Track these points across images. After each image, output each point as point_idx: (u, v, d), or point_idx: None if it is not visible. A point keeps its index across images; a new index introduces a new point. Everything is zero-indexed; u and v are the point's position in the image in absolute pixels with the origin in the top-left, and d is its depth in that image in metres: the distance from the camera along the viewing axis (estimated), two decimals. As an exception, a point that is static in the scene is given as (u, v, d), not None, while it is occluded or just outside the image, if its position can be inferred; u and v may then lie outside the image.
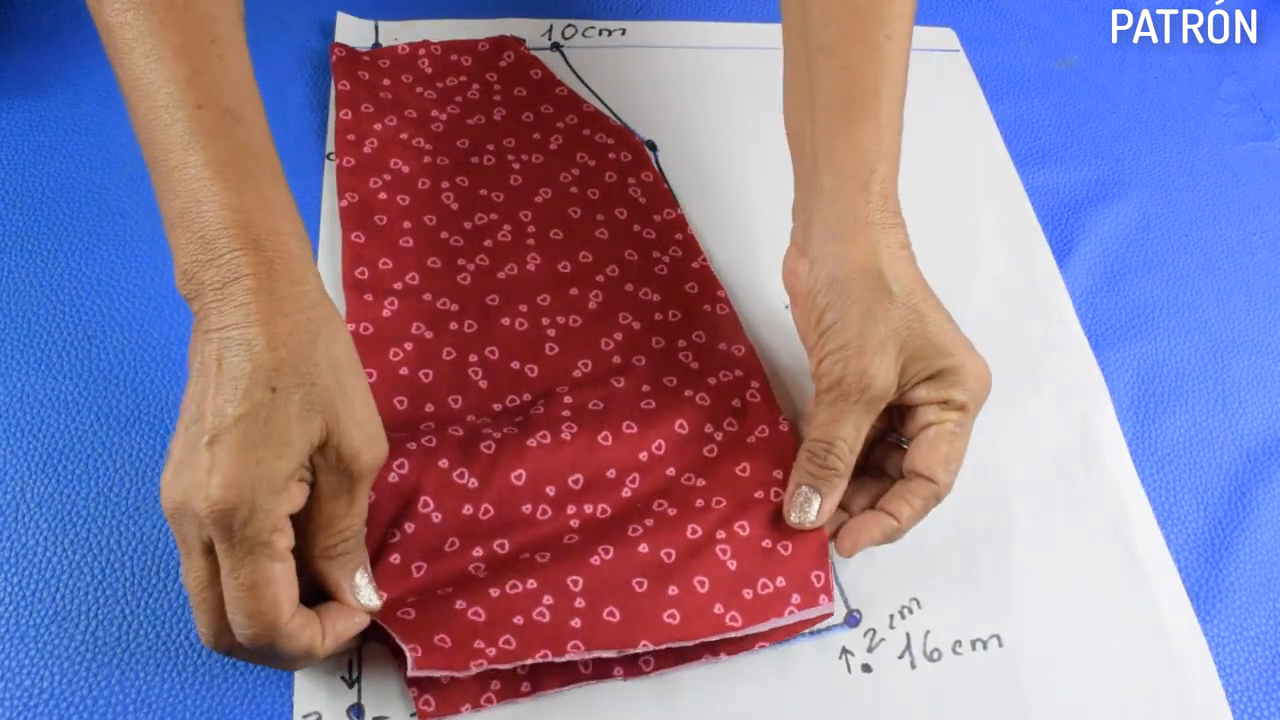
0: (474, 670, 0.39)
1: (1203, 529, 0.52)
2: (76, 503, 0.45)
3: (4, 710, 0.40)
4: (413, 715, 0.41)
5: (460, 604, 0.41)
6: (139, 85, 0.38)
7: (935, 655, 0.46)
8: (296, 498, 0.36)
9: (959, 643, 0.46)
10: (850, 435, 0.44)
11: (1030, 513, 0.50)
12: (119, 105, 0.55)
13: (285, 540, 0.35)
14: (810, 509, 0.45)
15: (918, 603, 0.47)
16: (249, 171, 0.38)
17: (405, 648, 0.39)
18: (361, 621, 0.39)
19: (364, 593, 0.39)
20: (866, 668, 0.45)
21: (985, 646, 0.46)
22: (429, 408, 0.48)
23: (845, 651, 0.45)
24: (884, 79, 0.45)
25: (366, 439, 0.37)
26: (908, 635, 0.46)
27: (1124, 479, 0.52)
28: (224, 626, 0.36)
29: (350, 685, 0.42)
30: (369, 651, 0.42)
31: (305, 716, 0.41)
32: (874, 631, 0.46)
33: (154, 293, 0.50)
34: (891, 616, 0.46)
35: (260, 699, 0.41)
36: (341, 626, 0.38)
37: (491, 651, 0.40)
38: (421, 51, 0.60)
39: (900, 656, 0.45)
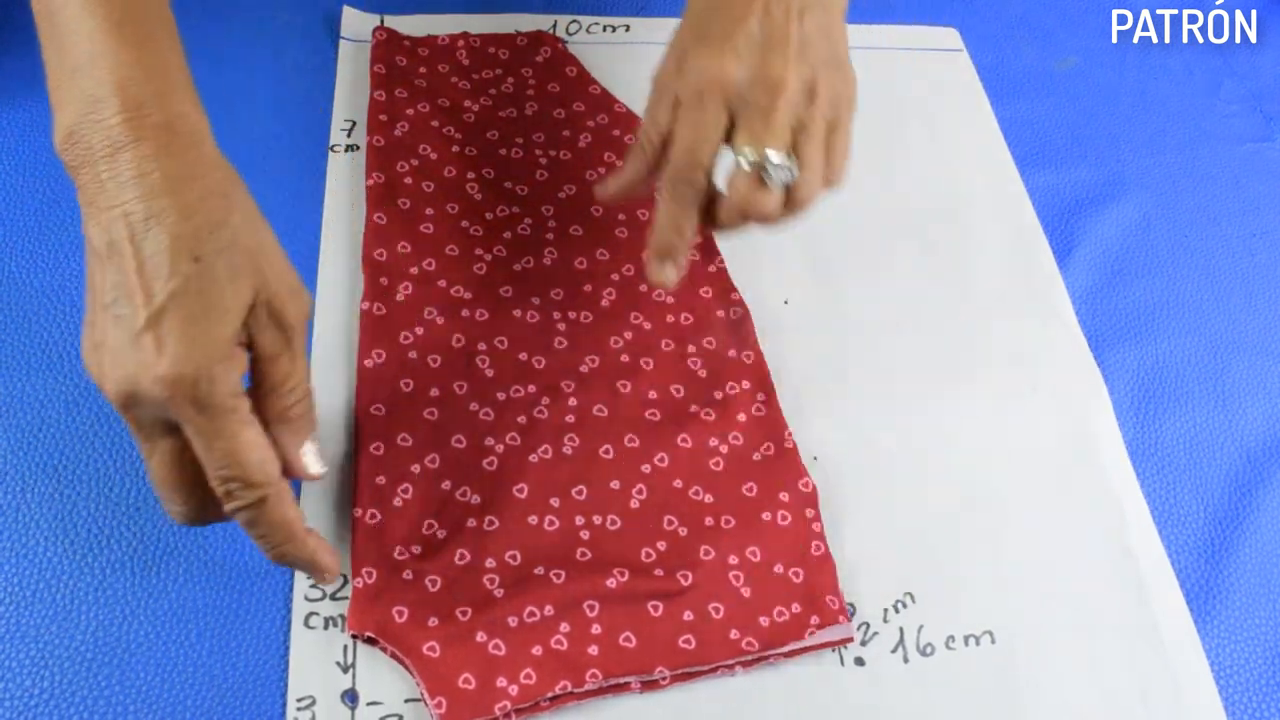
0: (498, 713, 0.41)
1: (1202, 530, 0.52)
2: (76, 503, 0.45)
3: (4, 710, 0.40)
4: (406, 700, 0.42)
5: (481, 636, 0.42)
6: None
7: (928, 650, 0.46)
8: (241, 362, 0.36)
9: (951, 638, 0.46)
10: (647, 122, 0.44)
11: (1026, 512, 0.50)
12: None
13: (246, 404, 0.36)
14: (616, 181, 0.47)
15: (911, 597, 0.47)
16: (149, 34, 0.37)
17: (429, 703, 0.41)
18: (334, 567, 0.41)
19: (312, 463, 0.39)
20: (859, 661, 0.45)
21: (977, 643, 0.46)
22: (434, 391, 0.49)
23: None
24: None
25: (291, 292, 0.37)
26: (901, 630, 0.46)
27: (1121, 479, 0.52)
28: (202, 500, 0.37)
29: (345, 671, 0.42)
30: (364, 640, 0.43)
31: (300, 700, 0.41)
32: (867, 625, 0.46)
33: (154, 293, 0.50)
34: (885, 611, 0.46)
35: (255, 684, 0.42)
36: (324, 558, 0.40)
37: (514, 690, 0.41)
38: (460, 43, 0.61)
39: (893, 650, 0.46)
